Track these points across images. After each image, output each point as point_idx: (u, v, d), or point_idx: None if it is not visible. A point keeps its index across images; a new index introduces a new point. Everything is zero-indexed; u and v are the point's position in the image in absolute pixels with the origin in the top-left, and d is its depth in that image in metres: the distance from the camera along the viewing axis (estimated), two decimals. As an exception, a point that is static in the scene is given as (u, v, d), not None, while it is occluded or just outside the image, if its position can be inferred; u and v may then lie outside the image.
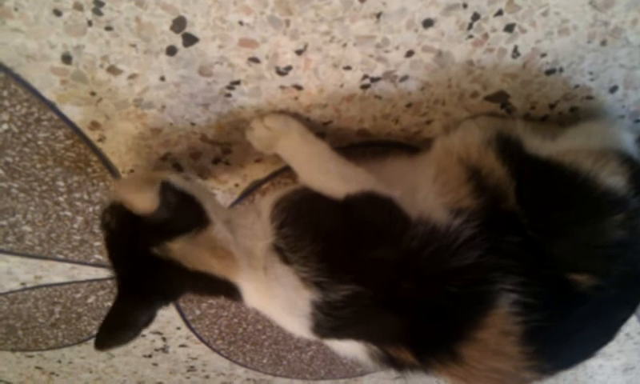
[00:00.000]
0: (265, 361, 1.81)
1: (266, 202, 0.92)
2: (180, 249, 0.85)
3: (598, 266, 0.83)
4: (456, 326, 0.84)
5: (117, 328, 0.88)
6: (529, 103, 0.99)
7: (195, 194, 0.90)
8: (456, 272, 0.82)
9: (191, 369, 1.89)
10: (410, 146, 1.07)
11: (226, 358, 1.80)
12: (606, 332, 0.89)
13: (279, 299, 0.88)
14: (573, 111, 1.01)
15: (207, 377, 1.94)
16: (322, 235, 0.85)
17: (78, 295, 1.50)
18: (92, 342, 1.64)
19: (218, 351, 1.76)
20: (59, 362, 1.87)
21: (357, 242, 0.84)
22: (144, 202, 0.82)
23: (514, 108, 0.99)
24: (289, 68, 0.89)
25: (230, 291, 0.89)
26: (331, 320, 0.85)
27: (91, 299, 1.52)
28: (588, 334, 0.88)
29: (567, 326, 0.84)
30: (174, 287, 0.90)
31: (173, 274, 0.86)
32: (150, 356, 1.80)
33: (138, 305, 0.88)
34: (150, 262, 0.85)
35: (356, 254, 0.84)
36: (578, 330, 0.86)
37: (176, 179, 0.89)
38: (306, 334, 0.91)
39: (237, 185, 1.14)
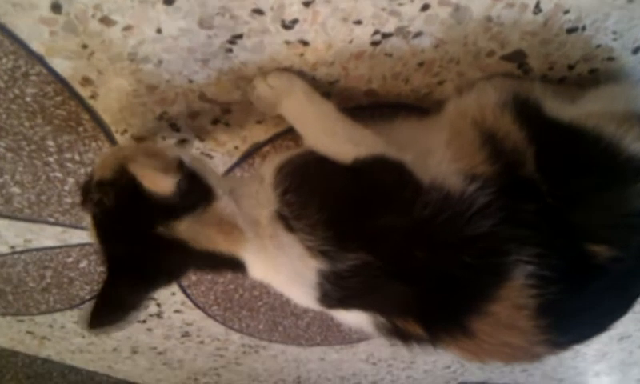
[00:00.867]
0: (261, 327, 1.81)
1: (268, 167, 0.88)
2: (186, 228, 0.82)
3: (618, 236, 0.80)
4: (468, 298, 0.81)
5: (116, 309, 0.84)
6: (547, 64, 0.94)
7: (200, 169, 0.86)
8: (470, 241, 0.79)
9: (186, 334, 1.88)
10: (419, 108, 1.03)
11: (222, 323, 1.80)
12: (622, 305, 0.87)
13: (285, 269, 0.85)
14: (592, 73, 0.96)
15: (202, 342, 1.94)
16: (328, 202, 0.82)
17: (70, 259, 1.48)
18: (85, 306, 1.66)
19: (213, 317, 1.76)
20: (51, 326, 1.86)
21: (365, 208, 0.81)
22: (163, 183, 0.79)
23: (531, 68, 0.95)
24: (295, 21, 0.84)
25: (235, 266, 0.87)
26: (338, 290, 0.82)
27: (83, 264, 1.50)
28: (604, 308, 0.85)
29: (583, 300, 0.82)
30: (178, 267, 0.88)
31: (178, 253, 0.83)
32: (144, 321, 1.79)
33: (139, 286, 0.85)
34: (153, 242, 0.82)
35: (364, 222, 0.80)
36: (594, 304, 0.83)
37: (186, 157, 0.85)
38: (312, 305, 0.88)
39: (236, 147, 1.11)
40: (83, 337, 1.94)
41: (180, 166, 0.80)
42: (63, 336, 1.93)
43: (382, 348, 1.98)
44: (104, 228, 0.85)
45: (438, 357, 2.03)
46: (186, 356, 2.06)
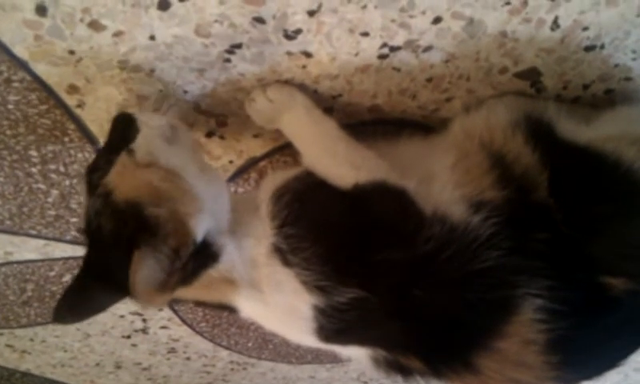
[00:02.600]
0: (250, 344, 1.78)
1: (263, 194, 0.84)
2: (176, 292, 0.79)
3: (637, 269, 0.75)
4: (473, 335, 0.78)
5: (83, 307, 0.79)
6: (561, 82, 0.91)
7: (214, 230, 0.80)
8: (474, 276, 0.75)
9: (172, 350, 1.85)
10: (424, 126, 0.99)
11: (209, 340, 1.77)
12: (637, 340, 0.82)
13: (280, 307, 0.81)
14: (607, 93, 0.93)
15: (188, 359, 1.91)
16: (325, 235, 0.79)
17: (52, 273, 1.45)
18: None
19: (200, 333, 1.72)
20: (31, 340, 1.83)
21: (364, 241, 0.77)
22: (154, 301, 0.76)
23: (545, 87, 0.91)
24: (298, 31, 0.81)
25: (225, 309, 0.85)
26: (335, 323, 0.78)
27: (66, 278, 1.46)
28: (618, 343, 0.82)
29: (596, 335, 0.78)
30: None
31: None
32: (128, 337, 1.77)
33: (113, 293, 0.79)
34: None
35: (363, 256, 0.77)
36: (607, 339, 0.79)
37: (206, 223, 0.79)
38: (308, 341, 0.85)
39: (231, 161, 1.07)
40: (65, 351, 1.90)
41: (187, 263, 0.75)
42: (44, 350, 1.89)
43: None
44: (94, 234, 0.79)
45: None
46: (172, 372, 2.02)
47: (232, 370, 1.97)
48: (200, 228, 0.76)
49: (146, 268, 0.71)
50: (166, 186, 0.77)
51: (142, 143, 0.80)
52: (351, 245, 0.77)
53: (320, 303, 0.77)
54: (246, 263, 0.81)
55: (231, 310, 0.84)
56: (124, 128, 0.82)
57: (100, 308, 0.81)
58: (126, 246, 0.72)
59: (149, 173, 0.78)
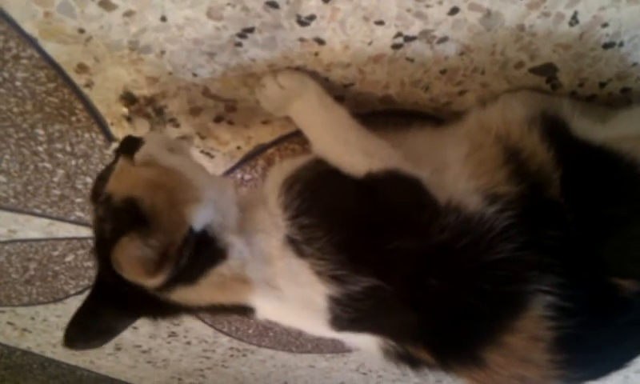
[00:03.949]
0: (250, 331, 1.78)
1: (271, 185, 0.82)
2: (183, 295, 0.77)
3: None
4: (482, 328, 0.77)
5: (95, 330, 0.79)
6: (577, 79, 0.89)
7: (218, 224, 0.78)
8: (488, 267, 0.74)
9: (172, 334, 1.85)
10: (434, 118, 0.98)
11: (210, 326, 1.77)
12: None
13: (296, 300, 0.79)
14: (624, 92, 0.91)
15: (189, 343, 1.91)
16: (340, 222, 0.77)
17: (56, 253, 1.44)
18: (69, 301, 1.61)
19: (202, 319, 1.72)
20: (32, 318, 1.83)
21: (379, 230, 0.76)
22: (147, 281, 0.72)
23: (561, 84, 0.89)
24: (312, 17, 0.79)
25: (240, 311, 0.83)
26: (350, 311, 0.77)
27: (69, 258, 1.46)
28: (626, 344, 0.81)
29: (604, 335, 0.77)
30: (171, 315, 0.82)
31: (173, 308, 0.79)
32: None
33: (125, 316, 0.80)
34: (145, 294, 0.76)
35: (378, 244, 0.75)
36: (615, 339, 0.79)
37: (207, 212, 0.77)
38: (324, 332, 0.83)
39: (239, 147, 1.06)
40: None
41: (182, 248, 0.73)
42: (45, 329, 1.89)
43: (373, 358, 1.94)
44: (99, 244, 0.78)
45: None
46: (172, 356, 2.03)
47: (232, 356, 1.97)
48: (198, 216, 0.75)
49: (133, 247, 0.70)
50: (162, 178, 0.76)
51: (143, 148, 0.80)
52: (366, 233, 0.76)
53: (335, 293, 0.76)
54: (259, 259, 0.79)
55: (248, 311, 0.82)
56: (129, 144, 0.82)
57: (113, 332, 0.81)
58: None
59: (145, 170, 0.78)
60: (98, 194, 0.79)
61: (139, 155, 0.79)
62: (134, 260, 0.70)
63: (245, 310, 0.82)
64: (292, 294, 0.79)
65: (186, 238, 0.73)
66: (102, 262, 0.76)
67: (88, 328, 0.78)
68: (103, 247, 0.75)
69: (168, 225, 0.73)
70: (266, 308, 0.82)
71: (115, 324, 0.80)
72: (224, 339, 1.85)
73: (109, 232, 0.74)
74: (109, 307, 0.78)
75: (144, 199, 0.74)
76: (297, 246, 0.77)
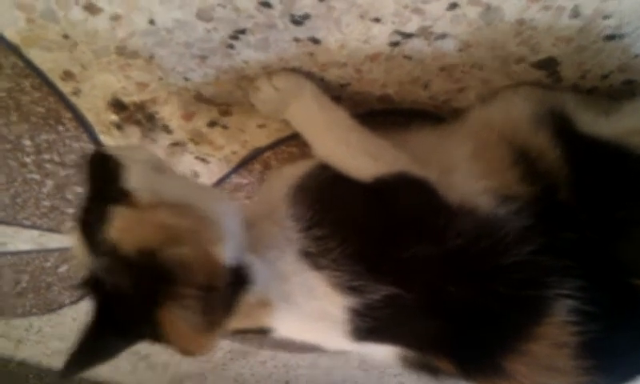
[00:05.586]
0: (250, 334, 1.76)
1: (277, 197, 0.80)
2: None
3: None
4: (503, 335, 0.75)
5: (96, 355, 0.74)
6: (579, 72, 0.87)
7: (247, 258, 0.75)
8: (506, 270, 0.72)
9: None
10: (433, 116, 0.96)
11: None
12: None
13: (315, 315, 0.77)
14: (626, 84, 0.89)
15: None
16: (354, 232, 0.75)
17: (48, 264, 1.44)
18: (63, 312, 1.59)
19: None
20: (26, 330, 1.84)
21: (394, 236, 0.75)
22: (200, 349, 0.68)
23: (562, 77, 0.87)
24: (306, 16, 0.77)
25: (257, 332, 0.80)
26: (369, 321, 0.76)
27: (62, 269, 1.45)
28: None
29: (629, 338, 0.76)
30: None
31: None
32: None
33: (128, 338, 0.74)
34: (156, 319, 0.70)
35: (394, 252, 0.74)
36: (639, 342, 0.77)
37: (234, 244, 0.73)
38: (344, 345, 0.81)
39: (234, 152, 1.05)
40: (61, 340, 1.89)
41: (225, 291, 0.68)
42: (39, 340, 1.89)
43: (375, 356, 1.94)
44: (109, 293, 0.71)
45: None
46: (172, 360, 2.03)
47: (231, 359, 1.97)
48: (227, 252, 0.70)
49: (177, 322, 0.66)
50: (179, 221, 0.71)
51: (139, 182, 0.73)
52: (381, 241, 0.75)
53: (353, 304, 0.74)
54: (277, 277, 0.76)
55: (266, 332, 0.79)
56: (104, 168, 0.74)
57: (112, 353, 0.75)
58: (148, 303, 0.66)
59: (158, 213, 0.71)
60: (93, 242, 0.72)
61: (142, 194, 0.72)
62: (187, 332, 0.66)
63: (264, 332, 0.80)
64: (310, 309, 0.77)
65: (226, 279, 0.69)
66: (110, 304, 0.70)
67: (87, 355, 0.73)
68: (116, 297, 0.69)
69: (201, 271, 0.68)
70: (285, 326, 0.80)
71: (116, 347, 0.74)
72: (224, 342, 1.85)
73: (128, 288, 0.68)
74: (111, 332, 0.72)
75: (166, 249, 0.68)
76: (312, 258, 0.75)
